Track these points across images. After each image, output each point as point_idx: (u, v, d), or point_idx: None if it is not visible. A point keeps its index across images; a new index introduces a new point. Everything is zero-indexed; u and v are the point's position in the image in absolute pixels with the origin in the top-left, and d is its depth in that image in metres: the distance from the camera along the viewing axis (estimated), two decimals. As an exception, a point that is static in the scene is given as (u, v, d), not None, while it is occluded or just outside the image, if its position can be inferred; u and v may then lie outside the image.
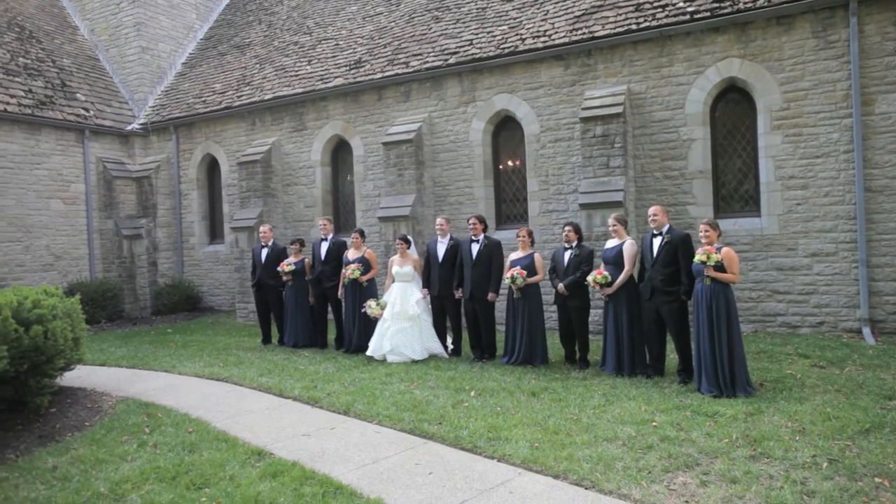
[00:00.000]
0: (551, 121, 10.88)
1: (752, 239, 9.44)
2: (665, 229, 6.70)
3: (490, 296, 7.99)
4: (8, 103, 13.10)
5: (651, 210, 6.84)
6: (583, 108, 10.05)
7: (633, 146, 10.09)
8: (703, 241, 6.26)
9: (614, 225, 7.27)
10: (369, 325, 8.63)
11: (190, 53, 17.13)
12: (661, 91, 10.06)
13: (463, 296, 8.28)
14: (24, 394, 5.97)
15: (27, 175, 13.45)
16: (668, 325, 6.69)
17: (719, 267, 6.02)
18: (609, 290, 7.03)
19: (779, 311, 9.30)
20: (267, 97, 13.64)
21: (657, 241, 6.69)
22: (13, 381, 5.76)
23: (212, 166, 15.14)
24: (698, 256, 6.05)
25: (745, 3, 9.39)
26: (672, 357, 7.13)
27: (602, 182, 9.60)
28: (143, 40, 16.08)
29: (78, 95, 14.86)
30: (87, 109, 14.73)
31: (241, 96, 14.26)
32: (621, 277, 6.99)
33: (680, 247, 6.54)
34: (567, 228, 7.63)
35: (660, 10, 10.13)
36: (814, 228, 9.09)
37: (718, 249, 6.09)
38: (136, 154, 15.55)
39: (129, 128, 15.38)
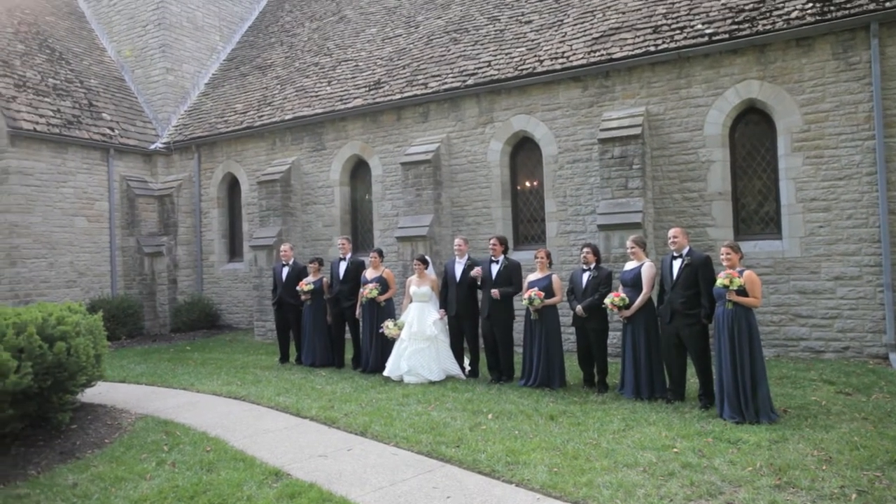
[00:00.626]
0: (569, 142, 10.91)
1: (773, 261, 9.33)
2: (685, 251, 6.65)
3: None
4: (37, 123, 13.43)
5: (671, 232, 6.80)
6: (601, 130, 10.06)
7: (651, 167, 10.07)
8: (725, 264, 6.20)
9: (633, 247, 7.23)
10: (387, 345, 8.63)
11: (213, 74, 17.47)
12: (680, 112, 10.05)
13: (480, 316, 8.27)
14: (46, 410, 6.03)
15: (54, 193, 13.73)
16: (688, 348, 6.61)
17: (741, 291, 5.95)
18: (627, 313, 6.98)
19: (802, 335, 9.15)
20: (287, 117, 13.84)
21: (677, 264, 6.64)
22: (36, 397, 5.83)
23: (232, 185, 15.35)
24: (720, 280, 5.99)
25: (763, 25, 9.39)
26: (692, 381, 7.03)
27: (620, 203, 9.57)
28: (167, 61, 16.44)
29: (104, 115, 15.19)
30: (112, 129, 15.05)
31: (261, 116, 14.48)
32: (639, 300, 6.93)
33: (700, 269, 6.49)
34: (585, 250, 7.60)
35: (678, 31, 10.16)
36: (837, 251, 8.97)
37: (741, 273, 6.02)
38: (158, 173, 15.82)
39: (153, 147, 15.67)
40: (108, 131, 14.88)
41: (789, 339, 9.22)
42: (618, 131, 9.82)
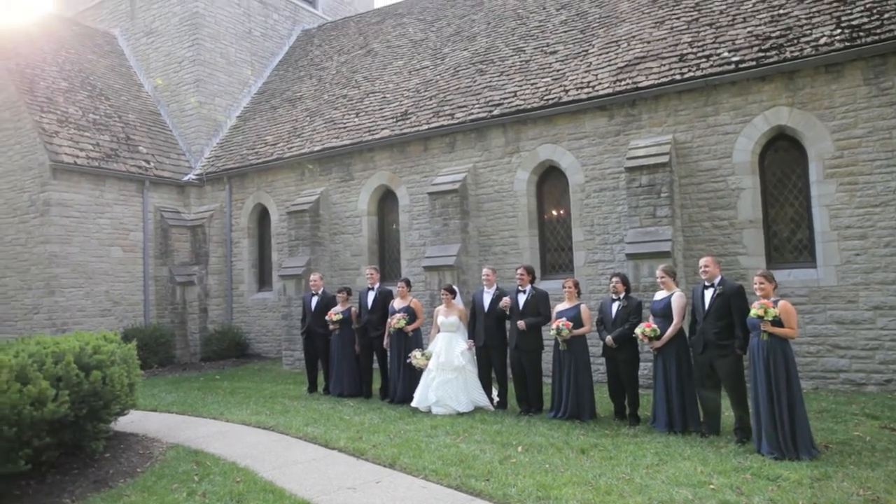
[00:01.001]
0: (596, 170, 10.90)
1: (808, 290, 9.12)
2: (717, 281, 6.55)
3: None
4: (78, 156, 13.90)
5: (702, 261, 6.71)
6: (628, 158, 10.05)
7: (679, 196, 9.99)
8: (759, 293, 6.08)
9: (662, 276, 7.14)
10: (414, 375, 8.61)
11: (244, 107, 17.94)
12: (708, 140, 9.99)
13: (508, 346, 8.22)
14: (80, 438, 6.13)
15: (91, 224, 14.13)
16: (722, 380, 6.46)
17: (776, 321, 5.82)
18: (658, 344, 6.86)
19: (841, 367, 8.88)
20: (316, 148, 14.11)
21: (709, 293, 6.54)
22: (72, 426, 5.93)
23: (262, 215, 15.63)
24: (755, 311, 5.87)
25: (791, 52, 9.34)
26: (727, 414, 6.86)
27: (649, 232, 9.50)
28: (201, 95, 16.94)
29: (140, 148, 15.67)
30: (147, 161, 15.50)
31: (291, 147, 14.79)
32: (670, 330, 6.82)
33: (733, 299, 6.37)
34: (614, 279, 7.53)
35: (704, 59, 10.16)
36: (875, 280, 8.74)
37: (775, 303, 5.90)
38: (191, 203, 16.20)
39: (186, 178, 16.08)
40: (143, 164, 15.33)
41: (828, 371, 8.96)
42: (645, 159, 9.80)
